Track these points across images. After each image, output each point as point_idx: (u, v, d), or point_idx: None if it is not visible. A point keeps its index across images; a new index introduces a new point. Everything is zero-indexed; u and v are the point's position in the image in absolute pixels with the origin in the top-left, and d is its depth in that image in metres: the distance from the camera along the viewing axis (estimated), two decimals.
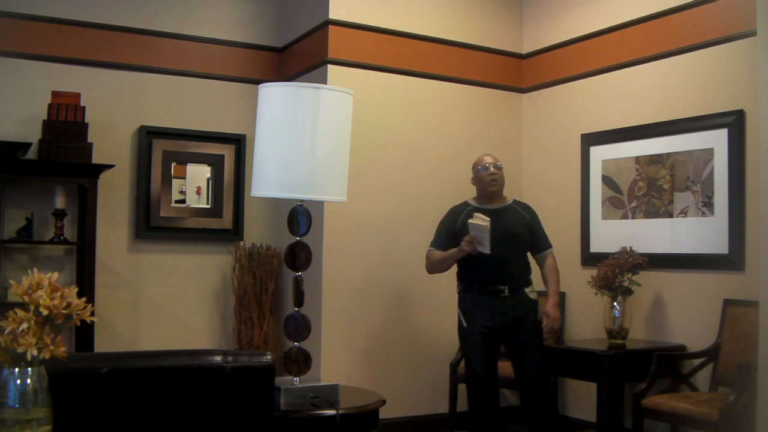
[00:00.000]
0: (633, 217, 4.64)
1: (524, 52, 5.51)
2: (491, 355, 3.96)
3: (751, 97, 3.80)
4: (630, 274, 4.29)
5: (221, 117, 5.23)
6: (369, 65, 4.92)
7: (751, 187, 3.96)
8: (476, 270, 3.92)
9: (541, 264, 4.10)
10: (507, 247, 3.89)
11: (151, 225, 4.99)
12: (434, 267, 4.08)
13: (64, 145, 4.46)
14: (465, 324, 3.96)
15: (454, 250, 3.92)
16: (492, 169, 4.01)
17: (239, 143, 5.25)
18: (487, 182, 4.00)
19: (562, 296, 4.41)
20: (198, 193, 5.19)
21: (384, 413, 3.19)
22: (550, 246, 4.12)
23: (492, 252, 3.77)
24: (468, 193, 5.19)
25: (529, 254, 4.10)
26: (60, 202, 4.54)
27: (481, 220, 3.75)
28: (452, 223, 4.04)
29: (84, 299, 1.83)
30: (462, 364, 4.79)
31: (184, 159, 5.13)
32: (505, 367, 4.19)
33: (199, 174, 5.19)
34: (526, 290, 3.97)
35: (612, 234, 4.72)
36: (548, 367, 4.10)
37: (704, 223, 4.23)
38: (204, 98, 5.19)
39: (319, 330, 4.65)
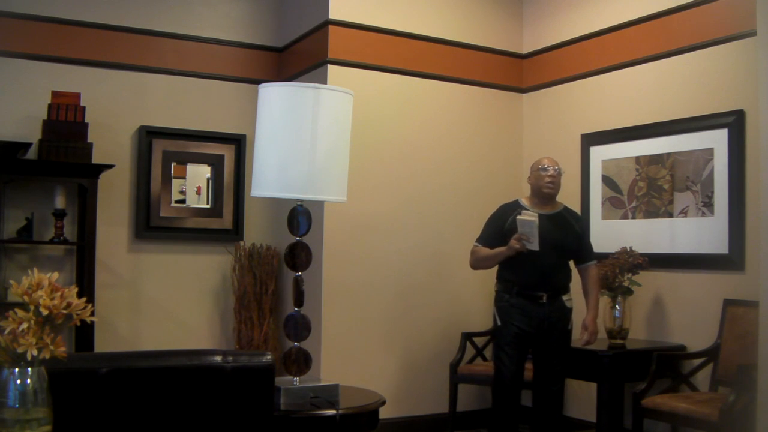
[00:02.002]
0: (633, 217, 4.65)
1: (524, 52, 5.51)
2: (521, 357, 3.97)
3: (751, 97, 3.80)
4: (630, 274, 4.29)
5: (221, 117, 5.23)
6: (369, 65, 4.92)
7: (751, 187, 3.96)
8: (519, 273, 3.91)
9: (583, 275, 4.08)
10: (552, 255, 3.88)
11: (151, 225, 4.99)
12: (479, 263, 4.08)
13: (64, 145, 4.46)
14: (499, 323, 3.98)
15: (502, 249, 3.89)
16: (552, 171, 3.97)
17: (239, 143, 5.25)
18: (545, 183, 3.96)
19: None
20: (198, 193, 5.19)
21: (384, 413, 3.19)
22: (594, 258, 4.11)
23: (537, 257, 3.78)
24: (468, 192, 5.22)
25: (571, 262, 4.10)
26: (60, 202, 4.54)
27: (529, 216, 3.76)
28: (502, 222, 4.01)
29: (84, 299, 1.83)
30: (462, 364, 4.81)
31: (184, 159, 5.13)
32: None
33: (199, 174, 5.19)
34: (564, 297, 3.96)
35: (612, 234, 4.72)
36: (567, 373, 4.10)
37: (704, 223, 4.23)
38: (204, 98, 5.19)
39: (319, 330, 4.65)
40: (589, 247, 4.12)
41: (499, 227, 4.01)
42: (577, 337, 4.09)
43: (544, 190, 3.97)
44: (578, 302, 4.09)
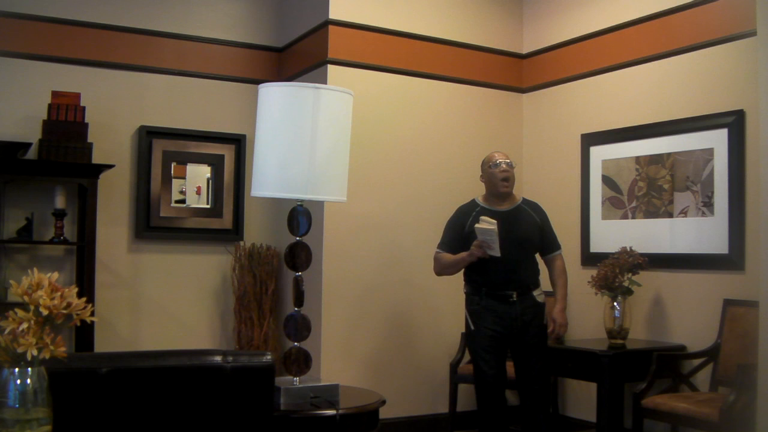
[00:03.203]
0: (633, 217, 4.65)
1: (524, 52, 5.51)
2: (500, 358, 3.88)
3: (751, 97, 3.80)
4: (630, 274, 4.28)
5: (221, 117, 5.23)
6: (369, 65, 4.92)
7: (751, 187, 3.96)
8: (485, 274, 3.83)
9: (549, 266, 4.01)
10: (517, 252, 3.80)
11: (151, 225, 4.99)
12: (443, 270, 3.99)
13: (64, 145, 4.46)
14: (473, 327, 3.88)
15: (464, 255, 3.81)
16: (504, 166, 3.86)
17: (239, 143, 5.25)
18: (499, 181, 3.86)
19: None
20: (198, 193, 5.19)
21: (384, 413, 3.19)
22: (558, 247, 4.03)
23: (502, 256, 3.69)
24: (468, 193, 5.20)
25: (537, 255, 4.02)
26: (60, 202, 4.54)
27: (487, 224, 3.64)
28: (461, 225, 3.92)
29: (84, 299, 1.83)
30: (462, 364, 4.81)
31: (184, 159, 5.13)
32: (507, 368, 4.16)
33: (199, 174, 5.20)
34: (534, 293, 3.87)
35: (612, 234, 4.72)
36: (549, 370, 4.04)
37: (704, 223, 4.23)
38: (204, 98, 5.19)
39: (319, 330, 4.65)
40: (552, 237, 4.01)
41: (459, 231, 3.92)
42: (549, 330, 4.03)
43: (501, 189, 3.87)
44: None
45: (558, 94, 5.25)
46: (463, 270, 3.97)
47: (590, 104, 4.99)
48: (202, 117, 5.17)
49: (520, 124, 5.51)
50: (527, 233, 3.89)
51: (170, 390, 2.24)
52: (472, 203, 4.01)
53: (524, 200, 4.03)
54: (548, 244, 4.00)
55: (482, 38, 5.35)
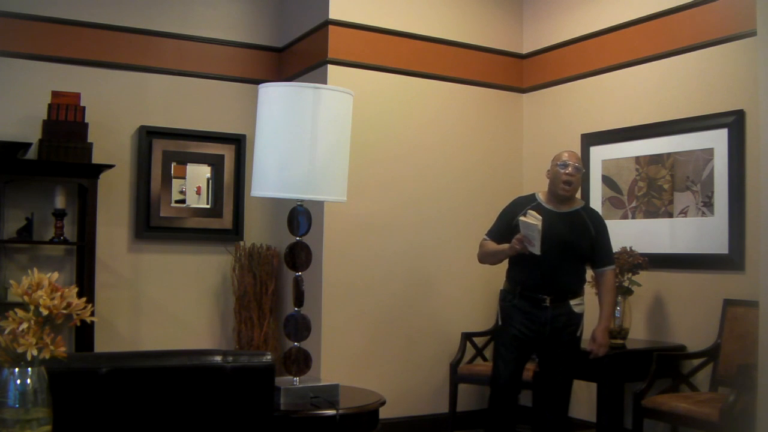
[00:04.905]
0: (633, 217, 4.65)
1: (524, 52, 5.51)
2: (519, 360, 3.80)
3: (751, 97, 3.80)
4: (630, 274, 4.28)
5: (221, 117, 5.23)
6: (369, 65, 4.92)
7: (751, 187, 3.96)
8: (523, 273, 3.74)
9: (598, 281, 3.86)
10: (559, 256, 3.66)
11: (151, 225, 4.99)
12: (484, 258, 3.92)
13: (64, 145, 4.46)
14: (500, 323, 3.84)
15: (505, 247, 3.71)
16: (570, 169, 3.72)
17: (239, 143, 5.25)
18: (562, 182, 3.72)
19: None
20: (198, 193, 5.19)
21: (384, 413, 3.19)
22: (611, 263, 3.85)
23: (543, 258, 3.59)
24: (469, 192, 5.22)
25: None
26: (60, 202, 4.54)
27: (533, 219, 3.53)
28: (510, 217, 3.80)
29: (84, 299, 1.83)
30: (462, 364, 4.82)
31: (184, 159, 5.13)
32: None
33: (199, 174, 5.20)
34: (572, 302, 3.73)
35: (612, 234, 4.70)
36: (571, 380, 3.92)
37: (704, 223, 4.23)
38: (204, 98, 5.19)
39: (319, 330, 4.65)
40: (606, 250, 3.83)
41: (507, 222, 3.82)
42: (586, 348, 3.98)
43: (560, 192, 3.75)
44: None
45: (558, 94, 5.25)
46: (507, 266, 3.90)
47: (590, 104, 4.99)
48: (202, 117, 5.17)
49: (520, 124, 5.51)
50: (575, 240, 3.74)
51: (170, 390, 2.24)
52: (531, 197, 3.89)
53: (585, 207, 3.89)
54: (599, 257, 3.82)
55: (482, 38, 5.35)
